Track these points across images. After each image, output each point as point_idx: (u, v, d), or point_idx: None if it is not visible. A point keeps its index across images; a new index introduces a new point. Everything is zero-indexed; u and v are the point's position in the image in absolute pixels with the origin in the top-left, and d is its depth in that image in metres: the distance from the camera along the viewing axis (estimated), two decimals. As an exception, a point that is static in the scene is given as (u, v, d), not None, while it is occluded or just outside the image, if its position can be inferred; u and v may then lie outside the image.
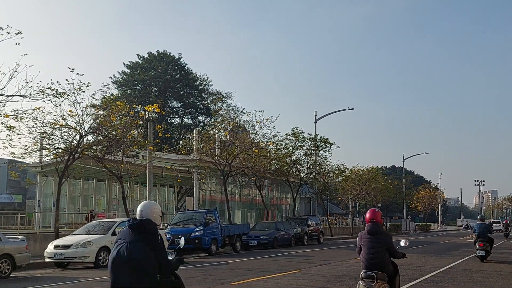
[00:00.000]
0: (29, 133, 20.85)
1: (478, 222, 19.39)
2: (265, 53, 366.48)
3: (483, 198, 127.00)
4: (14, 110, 19.34)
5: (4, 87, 17.39)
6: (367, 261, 7.23)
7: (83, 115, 21.52)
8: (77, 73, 20.55)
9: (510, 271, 15.63)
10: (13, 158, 24.04)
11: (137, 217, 5.15)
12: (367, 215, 7.62)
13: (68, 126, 21.58)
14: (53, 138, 22.04)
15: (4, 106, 18.41)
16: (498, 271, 15.59)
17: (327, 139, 40.57)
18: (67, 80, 20.51)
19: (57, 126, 21.32)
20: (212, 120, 61.84)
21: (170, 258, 5.19)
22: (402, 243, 8.25)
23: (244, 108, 65.29)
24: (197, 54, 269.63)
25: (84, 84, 20.87)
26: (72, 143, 21.97)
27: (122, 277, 4.80)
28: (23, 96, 18.02)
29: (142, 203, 5.25)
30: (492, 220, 79.45)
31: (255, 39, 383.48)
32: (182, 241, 6.40)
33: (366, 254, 7.29)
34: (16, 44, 17.00)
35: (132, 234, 4.94)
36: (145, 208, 5.15)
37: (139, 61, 64.09)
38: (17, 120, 19.64)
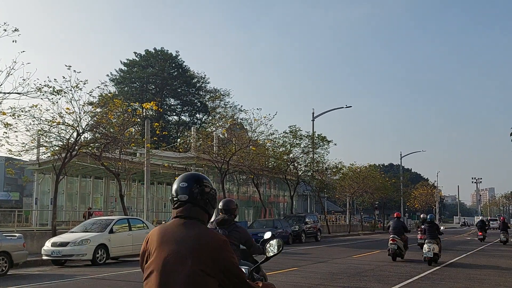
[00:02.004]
0: (26, 130, 20.83)
1: None
2: (264, 52, 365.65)
3: (480, 195, 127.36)
4: (11, 108, 19.34)
5: (1, 85, 17.39)
6: (502, 227, 30.43)
7: (80, 113, 21.51)
8: (74, 71, 20.53)
9: (507, 268, 15.68)
10: (10, 156, 23.97)
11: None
12: (501, 218, 33.22)
13: (66, 124, 21.55)
14: (50, 136, 22.00)
15: (1, 104, 18.40)
16: (496, 269, 15.65)
17: (324, 137, 40.55)
18: (64, 77, 20.48)
19: (54, 123, 21.28)
20: (210, 118, 61.83)
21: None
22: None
23: (242, 106, 65.46)
24: (196, 53, 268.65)
25: (81, 81, 20.87)
26: (70, 141, 21.92)
27: None
28: (20, 93, 18.00)
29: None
30: (489, 218, 79.76)
31: (254, 38, 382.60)
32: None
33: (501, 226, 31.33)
34: (13, 41, 16.94)
35: None
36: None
37: (136, 58, 63.97)
38: (14, 117, 19.62)
